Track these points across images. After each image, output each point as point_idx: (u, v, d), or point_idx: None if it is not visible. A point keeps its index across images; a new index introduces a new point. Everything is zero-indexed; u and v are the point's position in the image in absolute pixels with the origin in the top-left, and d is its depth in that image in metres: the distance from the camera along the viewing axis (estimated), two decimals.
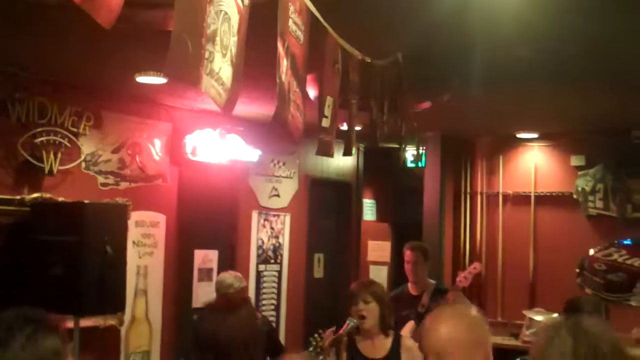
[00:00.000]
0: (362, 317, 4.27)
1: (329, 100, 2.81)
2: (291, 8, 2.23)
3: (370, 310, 4.27)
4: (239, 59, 1.86)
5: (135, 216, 6.04)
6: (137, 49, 4.39)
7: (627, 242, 7.40)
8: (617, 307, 7.32)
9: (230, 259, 6.96)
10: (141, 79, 5.24)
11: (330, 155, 3.05)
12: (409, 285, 6.14)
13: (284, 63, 2.21)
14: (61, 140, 5.44)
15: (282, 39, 2.18)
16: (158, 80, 5.22)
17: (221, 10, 1.71)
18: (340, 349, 4.44)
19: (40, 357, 1.86)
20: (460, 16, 3.75)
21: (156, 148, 6.32)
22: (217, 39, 1.70)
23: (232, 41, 1.79)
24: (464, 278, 5.97)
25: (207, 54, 1.64)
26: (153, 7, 3.06)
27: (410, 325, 5.82)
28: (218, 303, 5.03)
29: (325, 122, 2.84)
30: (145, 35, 3.74)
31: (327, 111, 2.81)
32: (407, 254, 6.09)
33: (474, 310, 2.54)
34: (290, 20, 2.26)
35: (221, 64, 1.74)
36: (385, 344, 4.32)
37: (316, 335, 4.55)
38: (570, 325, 1.89)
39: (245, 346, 2.70)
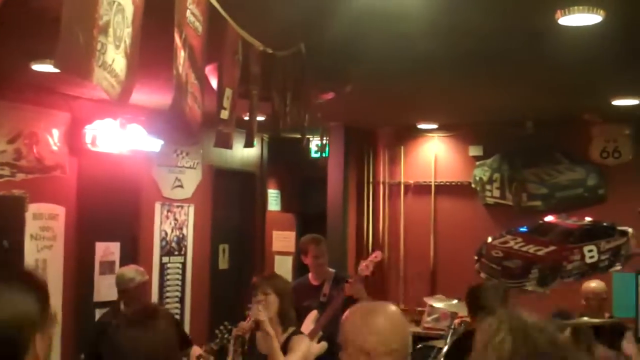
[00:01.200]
0: (259, 310, 4.26)
1: (227, 92, 2.81)
2: None
3: (269, 303, 4.27)
4: (134, 51, 1.84)
5: (32, 209, 5.88)
6: (33, 36, 4.26)
7: (523, 229, 7.64)
8: (514, 293, 7.60)
9: (133, 251, 6.86)
10: (37, 66, 5.09)
11: (229, 147, 3.05)
12: (310, 275, 6.19)
13: (181, 54, 2.20)
14: None
15: (179, 30, 2.16)
16: (55, 68, 5.08)
17: (114, 1, 1.68)
18: (245, 339, 4.44)
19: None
20: (361, 9, 3.81)
21: (54, 138, 6.16)
22: (110, 30, 1.67)
23: (126, 32, 1.77)
24: (365, 267, 6.06)
25: (99, 46, 1.62)
26: None
27: (313, 314, 5.88)
28: (133, 315, 4.78)
29: (224, 114, 2.84)
30: (41, 21, 3.64)
31: (226, 103, 2.81)
32: (314, 249, 6.08)
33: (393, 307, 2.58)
34: (188, 11, 2.24)
35: (114, 56, 1.72)
36: (279, 340, 4.23)
37: (222, 327, 4.55)
38: (509, 324, 1.88)
39: None
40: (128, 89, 1.85)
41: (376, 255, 6.21)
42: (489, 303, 4.08)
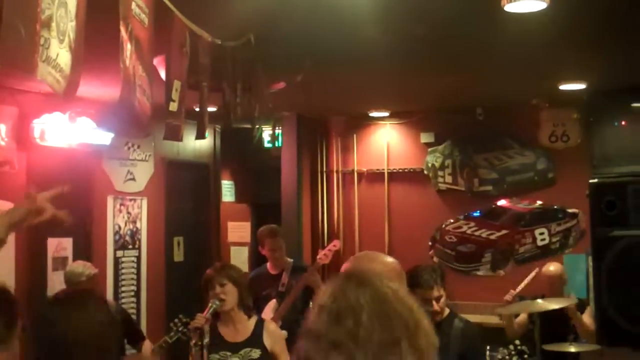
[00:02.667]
0: (221, 300, 4.28)
1: (176, 84, 2.79)
2: None
3: (228, 293, 4.29)
4: (78, 44, 1.81)
5: None
6: None
7: (475, 214, 7.76)
8: (467, 277, 7.71)
9: (86, 246, 6.78)
10: None
11: (179, 139, 3.03)
12: (268, 265, 6.21)
13: (128, 47, 2.17)
14: None
15: (125, 23, 2.14)
16: None
17: None
18: (204, 331, 4.43)
19: None
20: None
21: (1, 133, 6.04)
22: (53, 24, 1.65)
23: (70, 26, 1.75)
24: (324, 255, 6.10)
25: (42, 41, 1.59)
26: None
27: (272, 304, 5.90)
28: (58, 296, 4.70)
29: (173, 107, 2.82)
30: None
31: (175, 95, 2.79)
32: (270, 242, 6.10)
33: None
34: (134, 4, 2.22)
35: (58, 50, 1.70)
36: (247, 326, 4.35)
37: (176, 320, 4.54)
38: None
39: (96, 349, 2.58)
40: (74, 84, 1.83)
41: (335, 244, 6.26)
42: (428, 279, 4.20)
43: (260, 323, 4.40)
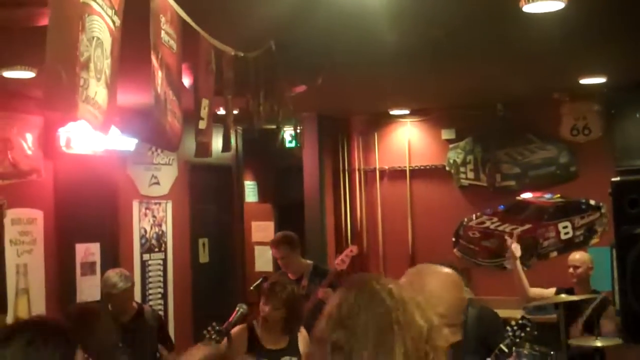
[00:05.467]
0: (265, 320, 4.41)
1: (204, 103, 2.85)
2: (162, 19, 2.25)
3: (276, 317, 4.43)
4: (114, 79, 1.88)
5: (10, 214, 5.87)
6: (1, 44, 4.26)
7: (499, 208, 7.77)
8: (491, 272, 7.73)
9: (113, 251, 6.88)
10: (7, 73, 5.09)
11: (209, 155, 3.10)
12: (284, 270, 6.23)
13: (159, 75, 2.24)
14: None
15: (156, 51, 2.20)
16: (25, 74, 5.08)
17: (94, 37, 1.72)
18: (231, 336, 4.54)
19: None
20: (329, 3, 3.85)
21: (28, 142, 6.14)
22: (91, 65, 1.71)
23: (106, 64, 1.81)
24: (341, 261, 6.14)
25: (82, 82, 1.66)
26: (18, 6, 3.00)
27: None
28: (69, 311, 4.64)
29: (202, 124, 2.88)
30: (10, 30, 3.65)
31: (203, 113, 2.85)
32: (273, 251, 6.13)
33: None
34: (163, 32, 2.28)
35: (96, 89, 1.76)
36: (284, 334, 4.53)
37: (210, 328, 4.63)
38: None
39: None
40: (110, 116, 1.90)
41: (351, 250, 6.29)
42: None
43: (294, 331, 4.52)
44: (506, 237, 6.24)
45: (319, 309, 2.68)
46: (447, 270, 2.51)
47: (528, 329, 4.61)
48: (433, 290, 2.36)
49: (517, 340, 4.60)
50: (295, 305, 4.56)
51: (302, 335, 4.57)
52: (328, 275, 6.00)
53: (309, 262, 6.24)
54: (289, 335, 4.52)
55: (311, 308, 5.77)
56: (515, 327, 4.59)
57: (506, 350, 4.40)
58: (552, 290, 6.05)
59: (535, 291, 6.06)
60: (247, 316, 4.72)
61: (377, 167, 8.39)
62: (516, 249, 5.99)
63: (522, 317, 4.63)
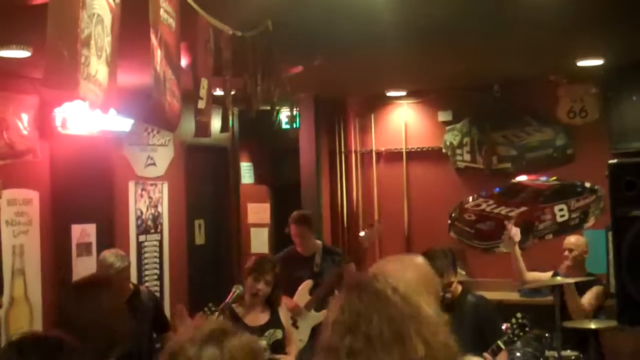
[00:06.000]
0: (256, 295, 4.46)
1: (203, 82, 2.84)
2: None
3: (266, 292, 4.50)
4: (114, 56, 1.86)
5: (6, 195, 5.85)
6: None
7: (494, 191, 7.76)
8: (487, 254, 7.74)
9: (109, 232, 6.87)
10: (3, 52, 5.06)
11: (208, 135, 3.09)
12: (298, 247, 6.28)
13: (158, 53, 2.23)
14: None
15: (155, 29, 2.19)
16: (21, 53, 5.05)
17: (94, 14, 1.71)
18: (226, 316, 4.57)
19: None
20: None
21: (24, 123, 6.11)
22: (92, 42, 1.70)
23: (107, 41, 1.80)
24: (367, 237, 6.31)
25: (83, 59, 1.64)
26: None
27: (307, 284, 6.03)
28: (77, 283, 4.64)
29: (201, 104, 2.87)
30: (5, 9, 3.63)
31: (202, 92, 2.84)
32: (293, 228, 6.19)
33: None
34: (162, 10, 2.27)
35: (97, 67, 1.75)
36: (265, 310, 4.60)
37: (206, 309, 4.65)
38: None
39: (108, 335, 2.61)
40: (111, 95, 1.88)
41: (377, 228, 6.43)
42: (439, 265, 4.28)
43: (275, 306, 4.64)
44: (506, 222, 6.25)
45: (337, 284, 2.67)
46: (419, 260, 2.50)
47: (527, 328, 4.65)
48: (410, 280, 2.31)
49: (515, 339, 4.65)
50: (279, 280, 4.65)
51: (282, 309, 4.68)
52: (342, 255, 6.12)
53: (318, 241, 6.32)
54: (270, 309, 4.57)
55: (326, 290, 5.90)
56: (515, 326, 4.63)
57: (503, 347, 4.45)
58: (549, 274, 6.08)
59: (533, 275, 6.08)
60: (244, 297, 4.75)
61: (374, 148, 8.38)
62: (516, 233, 6.00)
63: (523, 317, 4.66)
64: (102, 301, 2.69)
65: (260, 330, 4.46)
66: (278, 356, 4.49)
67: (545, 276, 6.08)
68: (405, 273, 2.37)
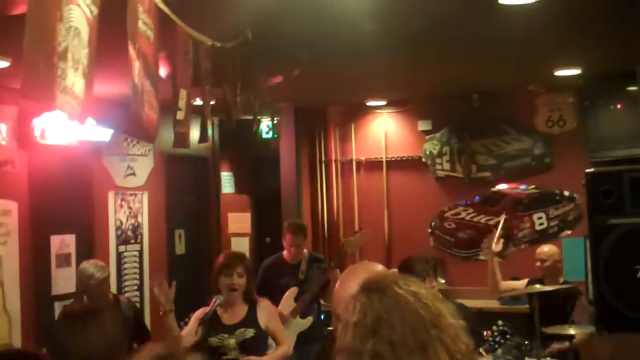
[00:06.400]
0: (234, 289, 4.45)
1: (182, 93, 2.84)
2: (140, 9, 2.24)
3: (242, 284, 4.47)
4: (91, 69, 1.86)
5: None
6: None
7: (474, 200, 7.81)
8: (467, 263, 7.78)
9: (89, 242, 6.83)
10: None
11: (187, 146, 3.09)
12: (285, 254, 6.29)
13: (136, 65, 2.23)
14: None
15: (133, 41, 2.19)
16: (0, 64, 5.03)
17: (71, 27, 1.71)
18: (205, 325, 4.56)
19: None
20: None
21: (2, 133, 6.08)
22: (69, 55, 1.70)
23: (84, 54, 1.80)
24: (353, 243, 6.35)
25: (59, 72, 1.65)
26: None
27: (292, 291, 6.04)
28: (73, 308, 4.50)
29: (180, 115, 2.87)
30: None
31: (181, 104, 2.84)
32: (290, 237, 6.19)
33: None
34: (140, 21, 2.27)
35: (74, 79, 1.75)
36: (243, 309, 4.56)
37: (187, 320, 4.65)
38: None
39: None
40: (87, 107, 1.88)
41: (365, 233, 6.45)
42: (418, 272, 4.31)
43: (254, 304, 4.59)
44: (488, 236, 6.32)
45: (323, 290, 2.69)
46: (380, 267, 2.52)
47: (508, 335, 4.68)
48: None
49: (496, 346, 4.68)
50: (251, 272, 4.67)
51: (262, 307, 4.60)
52: (330, 269, 6.12)
53: (305, 250, 6.35)
54: (248, 305, 4.54)
55: (312, 296, 5.94)
56: (496, 333, 4.66)
57: (484, 354, 4.48)
58: (524, 281, 6.11)
59: (508, 284, 6.13)
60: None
61: (354, 158, 8.41)
62: (497, 244, 6.04)
63: (504, 324, 4.70)
64: (105, 331, 2.67)
65: (231, 329, 4.47)
66: (251, 357, 4.45)
67: (520, 284, 6.12)
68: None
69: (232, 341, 4.42)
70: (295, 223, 6.41)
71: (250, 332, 4.48)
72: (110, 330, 2.61)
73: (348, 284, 2.40)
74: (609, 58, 6.18)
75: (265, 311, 4.60)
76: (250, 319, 4.53)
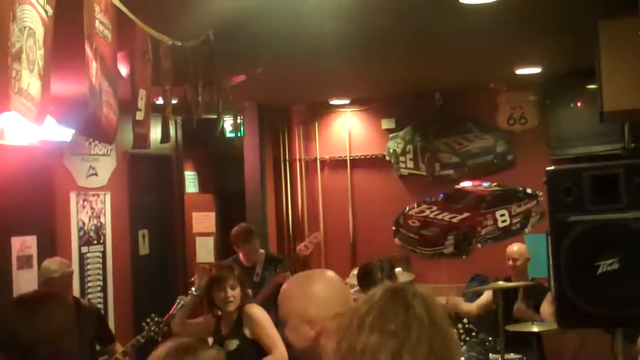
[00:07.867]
0: (230, 302, 4.41)
1: (141, 93, 2.81)
2: (97, 9, 2.22)
3: (236, 296, 4.43)
4: (47, 69, 1.84)
5: None
6: None
7: (438, 198, 7.83)
8: (431, 260, 7.81)
9: (50, 244, 6.75)
10: None
11: (147, 147, 3.07)
12: (241, 256, 6.26)
13: (94, 65, 2.20)
14: None
15: (90, 41, 2.16)
16: None
17: (25, 27, 1.68)
18: (172, 327, 4.53)
19: None
20: None
21: None
22: (23, 56, 1.67)
23: (39, 54, 1.77)
24: (304, 247, 6.20)
25: (14, 73, 1.62)
26: None
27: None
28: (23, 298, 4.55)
29: (140, 115, 2.85)
30: None
31: (141, 104, 2.82)
32: (246, 247, 6.19)
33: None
34: (97, 21, 2.24)
35: (29, 80, 1.72)
36: (232, 318, 4.52)
37: (148, 319, 4.61)
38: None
39: (55, 352, 2.51)
40: (44, 108, 1.86)
41: (315, 236, 6.37)
42: (377, 278, 4.34)
43: (240, 312, 4.52)
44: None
45: (276, 294, 2.71)
46: (329, 273, 2.55)
47: (474, 333, 4.72)
48: (327, 293, 2.40)
49: (462, 343, 4.71)
50: (244, 280, 4.64)
51: (247, 315, 4.50)
52: (284, 262, 6.08)
53: (262, 250, 6.30)
54: (237, 314, 4.51)
55: (268, 295, 5.87)
56: (461, 331, 4.69)
57: None
58: (489, 294, 6.17)
59: (479, 302, 6.22)
60: (187, 307, 4.71)
61: (318, 156, 8.41)
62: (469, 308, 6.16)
63: (470, 322, 4.73)
64: (53, 316, 2.63)
65: (222, 339, 4.47)
66: None
67: (485, 298, 6.20)
68: (314, 286, 2.42)
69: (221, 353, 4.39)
70: (244, 231, 6.29)
71: (233, 344, 4.42)
72: (58, 317, 2.57)
73: (295, 291, 2.43)
74: (569, 56, 6.25)
75: (249, 318, 4.46)
76: (235, 330, 4.47)
